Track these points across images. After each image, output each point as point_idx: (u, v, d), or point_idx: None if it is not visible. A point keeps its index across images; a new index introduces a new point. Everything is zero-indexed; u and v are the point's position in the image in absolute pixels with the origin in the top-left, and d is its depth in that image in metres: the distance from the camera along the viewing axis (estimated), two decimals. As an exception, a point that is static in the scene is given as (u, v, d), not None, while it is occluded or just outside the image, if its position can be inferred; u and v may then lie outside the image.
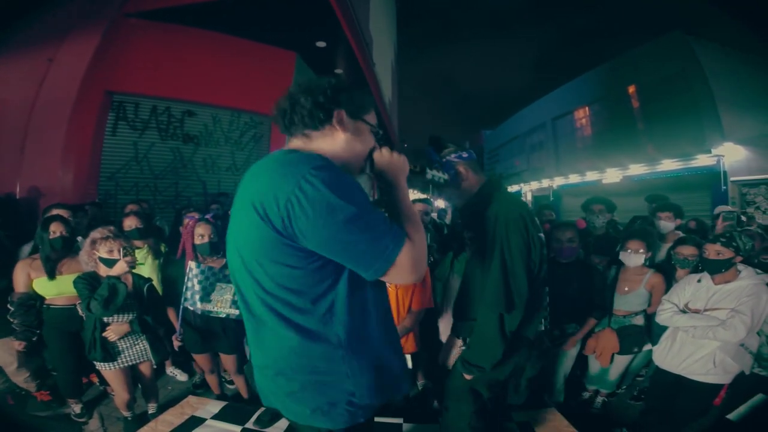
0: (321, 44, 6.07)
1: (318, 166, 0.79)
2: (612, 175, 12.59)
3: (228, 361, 2.56)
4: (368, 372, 0.89)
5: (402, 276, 0.83)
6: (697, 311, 2.07)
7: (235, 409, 2.40)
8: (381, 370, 0.92)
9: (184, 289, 2.27)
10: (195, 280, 2.26)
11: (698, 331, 2.00)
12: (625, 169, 12.13)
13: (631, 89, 12.39)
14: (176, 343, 2.41)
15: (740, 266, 2.01)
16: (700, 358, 2.04)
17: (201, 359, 2.59)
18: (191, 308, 2.29)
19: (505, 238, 1.31)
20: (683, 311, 2.13)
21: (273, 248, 0.80)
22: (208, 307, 2.28)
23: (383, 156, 1.01)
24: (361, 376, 0.88)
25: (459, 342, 1.60)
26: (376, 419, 2.23)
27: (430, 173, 1.21)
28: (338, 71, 7.33)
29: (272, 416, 2.26)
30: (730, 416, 1.80)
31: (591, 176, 13.56)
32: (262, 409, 2.31)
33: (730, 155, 9.32)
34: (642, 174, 11.61)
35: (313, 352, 0.86)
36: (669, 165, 10.76)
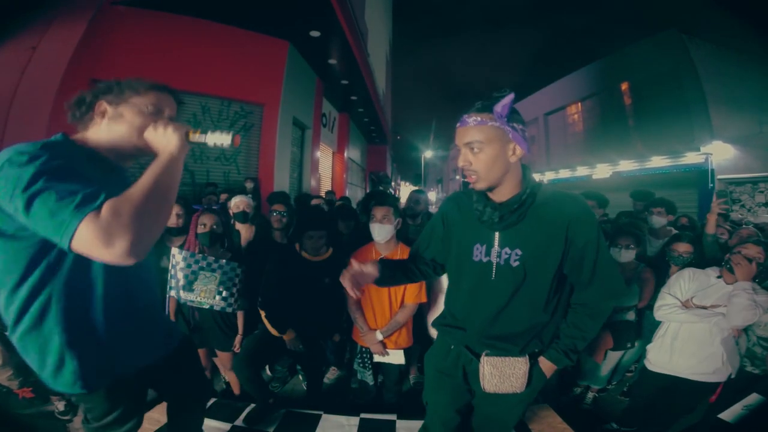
0: (315, 34, 5.98)
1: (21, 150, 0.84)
2: (602, 171, 12.71)
3: (224, 357, 2.50)
4: None
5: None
6: (703, 307, 2.03)
7: (224, 406, 2.35)
8: None
9: (168, 277, 2.18)
10: (177, 268, 2.17)
11: (706, 319, 1.97)
12: (615, 165, 12.25)
13: (624, 86, 12.47)
14: None
15: None
16: (705, 358, 2.01)
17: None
18: (176, 298, 2.23)
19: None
20: (686, 306, 2.09)
21: None
22: (191, 296, 2.19)
23: (150, 132, 1.05)
24: None
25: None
26: (370, 416, 2.25)
27: (211, 138, 1.12)
28: (332, 61, 7.23)
29: (263, 414, 2.23)
30: (723, 415, 1.81)
31: (581, 171, 13.69)
32: (252, 405, 2.29)
33: (719, 153, 9.47)
34: (631, 170, 11.75)
35: None
36: (658, 162, 10.92)
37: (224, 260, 2.24)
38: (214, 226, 2.27)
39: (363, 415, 2.24)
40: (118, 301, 1.09)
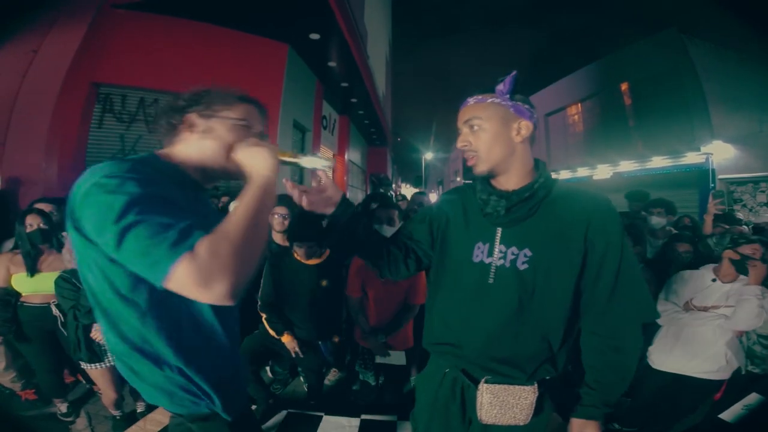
0: (315, 36, 6.00)
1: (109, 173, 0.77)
2: (602, 172, 12.69)
3: None
4: None
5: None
6: (704, 308, 2.04)
7: None
8: None
9: None
10: None
11: (710, 321, 1.98)
12: (616, 166, 12.23)
13: (624, 86, 12.45)
14: None
15: None
16: (709, 357, 2.02)
17: None
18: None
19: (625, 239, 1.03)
20: (686, 309, 2.10)
21: None
22: None
23: (241, 152, 0.94)
24: None
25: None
26: (371, 417, 2.25)
27: (305, 159, 1.02)
28: (332, 64, 7.26)
29: (264, 415, 2.24)
30: (723, 415, 1.81)
31: (582, 172, 13.68)
32: (253, 407, 2.29)
33: (719, 153, 9.45)
34: (632, 170, 11.72)
35: None
36: (658, 162, 10.89)
37: None
38: None
39: (364, 417, 2.26)
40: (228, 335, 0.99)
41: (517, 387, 1.03)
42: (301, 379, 2.85)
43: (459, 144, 1.04)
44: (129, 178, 0.76)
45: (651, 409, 2.25)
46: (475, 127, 1.00)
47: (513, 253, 1.00)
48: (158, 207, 0.75)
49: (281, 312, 2.27)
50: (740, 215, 5.05)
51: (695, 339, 2.04)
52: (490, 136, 0.99)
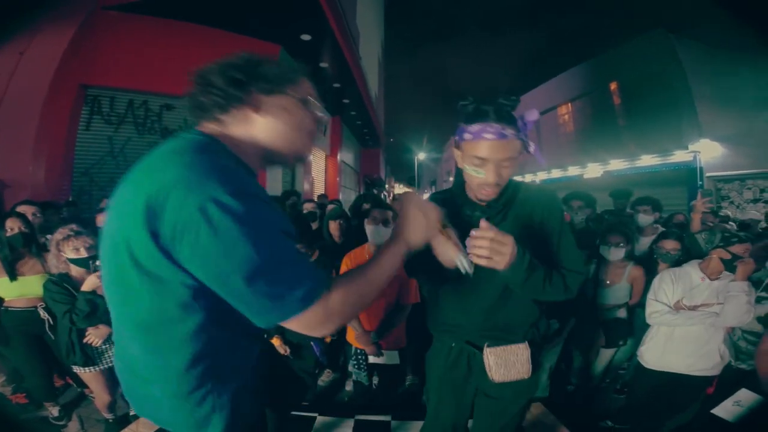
0: (306, 37, 5.99)
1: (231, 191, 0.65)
2: (593, 170, 12.84)
3: None
4: None
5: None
6: (693, 307, 2.05)
7: None
8: None
9: None
10: None
11: (701, 320, 1.99)
12: (606, 165, 12.39)
13: (613, 86, 12.61)
14: None
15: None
16: (704, 354, 2.03)
17: None
18: None
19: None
20: (676, 309, 2.10)
21: None
22: None
23: (404, 205, 0.92)
24: None
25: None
26: (365, 417, 2.26)
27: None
28: (323, 65, 7.25)
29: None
30: (716, 411, 1.82)
31: (573, 171, 13.82)
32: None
33: (707, 151, 9.61)
34: (622, 169, 11.88)
35: None
36: (648, 160, 11.05)
37: None
38: None
39: (358, 417, 2.27)
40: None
41: (513, 345, 1.26)
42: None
43: (496, 181, 1.08)
44: (250, 199, 0.67)
45: (645, 408, 2.26)
46: (507, 164, 1.08)
47: None
48: (286, 241, 0.70)
49: None
50: (728, 212, 5.14)
51: (688, 338, 2.05)
52: (512, 171, 1.12)
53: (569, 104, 15.08)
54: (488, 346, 1.26)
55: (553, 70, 16.00)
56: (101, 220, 2.72)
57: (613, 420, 2.46)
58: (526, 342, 1.27)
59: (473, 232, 1.00)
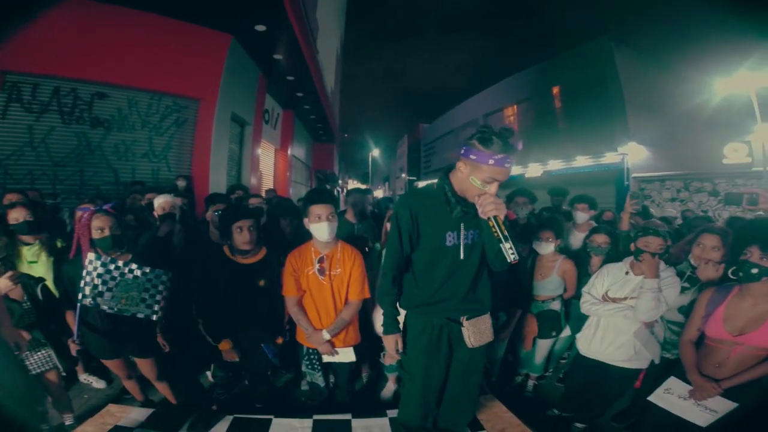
0: (260, 28, 5.76)
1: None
2: (534, 170, 13.66)
3: (144, 366, 2.29)
4: None
5: None
6: (616, 300, 2.17)
7: (163, 417, 2.23)
8: None
9: (81, 285, 1.98)
10: (95, 274, 1.98)
11: (618, 313, 2.12)
12: (546, 164, 13.27)
13: (556, 90, 13.46)
14: (73, 348, 2.08)
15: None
16: (621, 345, 2.14)
17: (112, 365, 2.27)
18: (91, 305, 2.02)
19: None
20: (603, 301, 2.22)
21: None
22: (111, 304, 2.02)
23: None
24: None
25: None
26: (323, 417, 2.22)
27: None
28: (277, 56, 7.01)
29: (207, 422, 2.14)
30: (651, 398, 1.93)
31: (516, 170, 14.57)
32: (196, 414, 2.18)
33: (633, 154, 10.63)
34: (559, 169, 12.79)
35: None
36: (582, 161, 12.04)
37: (147, 268, 2.07)
38: (112, 228, 2.06)
39: (316, 417, 2.21)
40: None
41: (483, 316, 1.67)
42: (248, 381, 2.75)
43: (494, 192, 1.45)
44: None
45: (580, 395, 2.40)
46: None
47: (471, 235, 1.61)
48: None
49: (219, 316, 2.15)
50: (652, 210, 5.70)
51: (609, 328, 2.20)
52: None
53: (515, 106, 15.91)
54: (466, 319, 1.63)
55: (502, 73, 16.74)
56: (14, 217, 2.44)
57: (559, 408, 2.58)
58: (488, 313, 1.68)
59: (477, 198, 1.46)
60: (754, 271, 1.59)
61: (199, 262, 2.20)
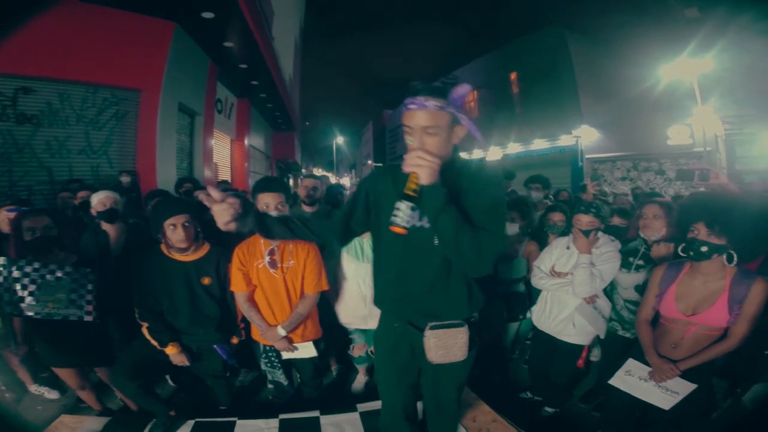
0: (208, 15, 5.42)
1: None
2: (494, 153, 14.07)
3: (103, 373, 2.16)
4: None
5: None
6: (560, 274, 2.21)
7: (120, 424, 2.11)
8: None
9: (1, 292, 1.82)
10: (11, 280, 1.82)
11: (561, 288, 2.16)
12: (505, 148, 13.69)
13: (513, 76, 13.79)
14: (13, 360, 1.92)
15: (599, 233, 2.13)
16: (563, 319, 2.18)
17: (64, 374, 2.12)
18: (14, 313, 1.87)
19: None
20: (550, 275, 2.26)
21: None
22: (37, 309, 1.87)
23: None
24: None
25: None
26: (290, 416, 2.15)
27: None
28: (228, 44, 6.65)
29: (167, 428, 2.04)
30: (612, 381, 1.84)
31: (477, 154, 14.92)
32: (154, 420, 2.06)
33: (586, 136, 11.21)
34: (518, 152, 13.25)
35: None
36: (539, 144, 12.56)
37: (69, 267, 1.91)
38: (45, 230, 1.91)
39: (282, 416, 2.14)
40: None
41: (454, 329, 1.31)
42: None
43: (416, 145, 1.15)
44: None
45: (539, 371, 2.43)
46: (431, 132, 1.14)
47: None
48: None
49: (161, 319, 2.00)
50: (605, 189, 6.01)
51: (555, 302, 2.24)
52: (442, 142, 1.17)
53: (475, 92, 16.13)
54: (430, 328, 1.31)
55: (462, 59, 16.88)
56: None
57: (531, 391, 2.58)
58: (466, 325, 1.32)
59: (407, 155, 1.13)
60: (704, 249, 1.51)
61: (135, 261, 2.03)
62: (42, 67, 4.53)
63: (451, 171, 1.22)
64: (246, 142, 11.03)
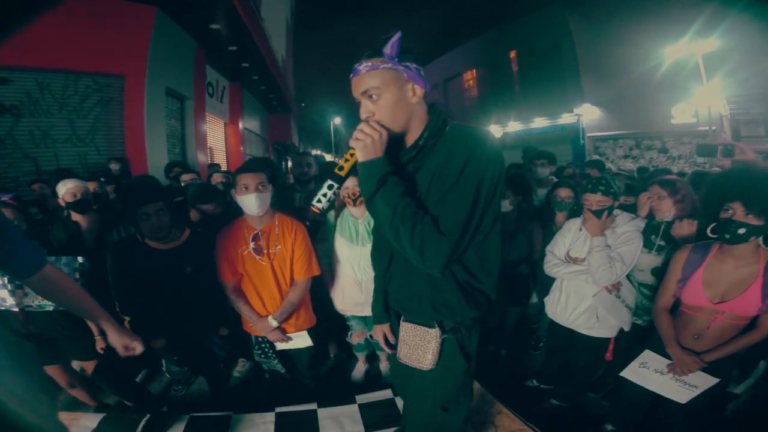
0: (191, -3, 5.19)
1: None
2: (494, 131, 13.85)
3: (90, 366, 2.08)
4: None
5: None
6: (577, 260, 1.95)
7: (117, 420, 2.05)
8: None
9: None
10: None
11: (578, 275, 1.91)
12: (505, 126, 13.60)
13: (512, 55, 13.57)
14: None
15: (616, 211, 1.88)
16: (584, 312, 1.93)
17: (52, 372, 2.04)
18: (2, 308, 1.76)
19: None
20: (566, 261, 2.01)
21: None
22: (26, 301, 1.77)
23: None
24: None
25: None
26: (287, 409, 2.05)
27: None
28: (215, 26, 6.41)
29: (158, 423, 1.98)
30: (624, 374, 1.74)
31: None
32: (148, 416, 2.00)
33: (587, 114, 11.15)
34: (518, 130, 13.20)
35: None
36: (539, 122, 12.51)
37: (53, 257, 1.79)
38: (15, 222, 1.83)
39: (278, 410, 2.07)
40: None
41: (422, 328, 1.13)
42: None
43: (363, 115, 1.03)
44: None
45: (554, 364, 2.25)
46: (374, 97, 1.01)
47: None
48: None
49: (143, 311, 1.90)
50: (608, 166, 5.88)
51: (571, 292, 1.99)
52: (391, 104, 1.01)
53: (474, 71, 15.89)
54: (404, 319, 1.19)
55: (461, 39, 16.54)
56: None
57: (538, 379, 2.42)
58: (438, 329, 1.12)
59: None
60: (741, 231, 1.32)
61: (110, 250, 1.91)
62: (18, 56, 4.35)
63: (427, 141, 1.05)
64: (240, 125, 10.83)
